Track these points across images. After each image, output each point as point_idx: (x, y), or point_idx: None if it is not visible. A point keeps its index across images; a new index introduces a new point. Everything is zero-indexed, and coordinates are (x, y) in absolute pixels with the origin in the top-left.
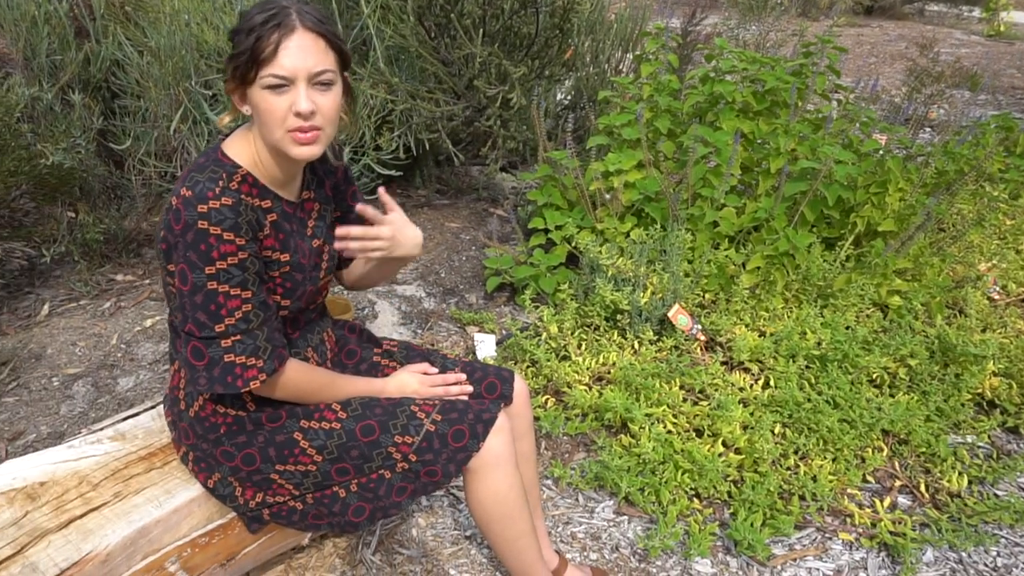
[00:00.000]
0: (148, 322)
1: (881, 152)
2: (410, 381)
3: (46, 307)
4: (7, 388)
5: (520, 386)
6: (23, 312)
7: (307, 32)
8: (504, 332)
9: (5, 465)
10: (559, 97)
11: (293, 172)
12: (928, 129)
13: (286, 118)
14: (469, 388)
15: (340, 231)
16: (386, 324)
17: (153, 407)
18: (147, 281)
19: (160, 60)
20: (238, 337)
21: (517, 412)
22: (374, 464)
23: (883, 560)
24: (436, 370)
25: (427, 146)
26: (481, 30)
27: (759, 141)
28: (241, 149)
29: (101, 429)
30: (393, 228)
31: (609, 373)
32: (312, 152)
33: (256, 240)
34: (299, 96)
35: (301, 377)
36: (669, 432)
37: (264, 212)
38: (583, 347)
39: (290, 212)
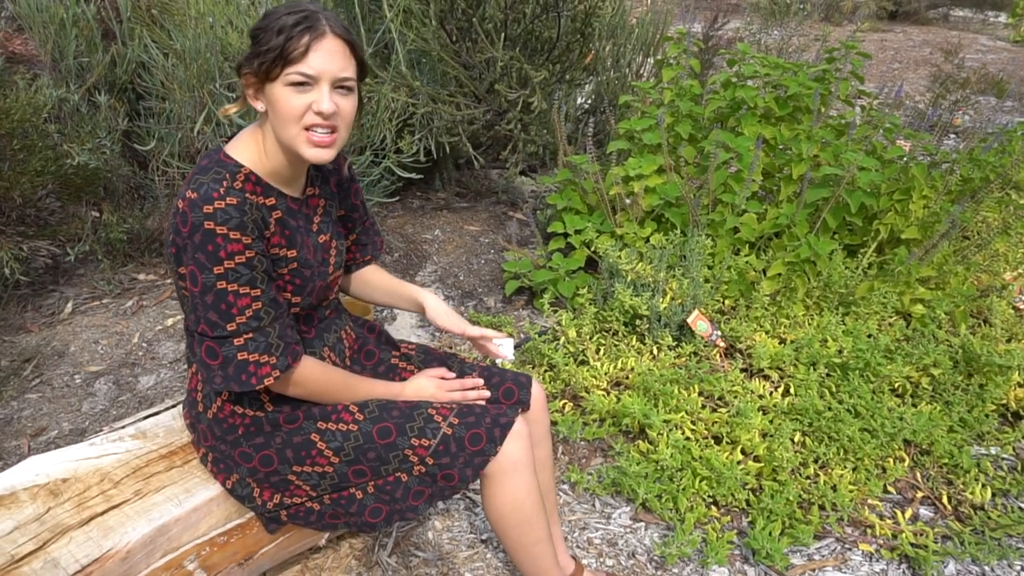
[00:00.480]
0: (169, 321)
1: (905, 159)
2: (427, 385)
3: (70, 305)
4: (31, 385)
5: (538, 392)
6: (47, 310)
7: (336, 38)
8: (522, 336)
9: (28, 461)
10: (579, 101)
11: (298, 170)
12: (953, 136)
13: (304, 115)
14: (487, 393)
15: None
16: (404, 326)
17: (174, 406)
18: (168, 281)
19: (185, 62)
20: (250, 335)
21: (535, 418)
22: (391, 466)
23: (904, 572)
24: (454, 375)
25: (447, 149)
26: (503, 34)
27: (781, 147)
28: (245, 148)
29: (123, 427)
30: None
31: (627, 378)
32: (326, 155)
33: (263, 238)
34: (323, 96)
35: (317, 375)
36: (687, 439)
37: (269, 210)
38: (601, 352)
39: (295, 208)
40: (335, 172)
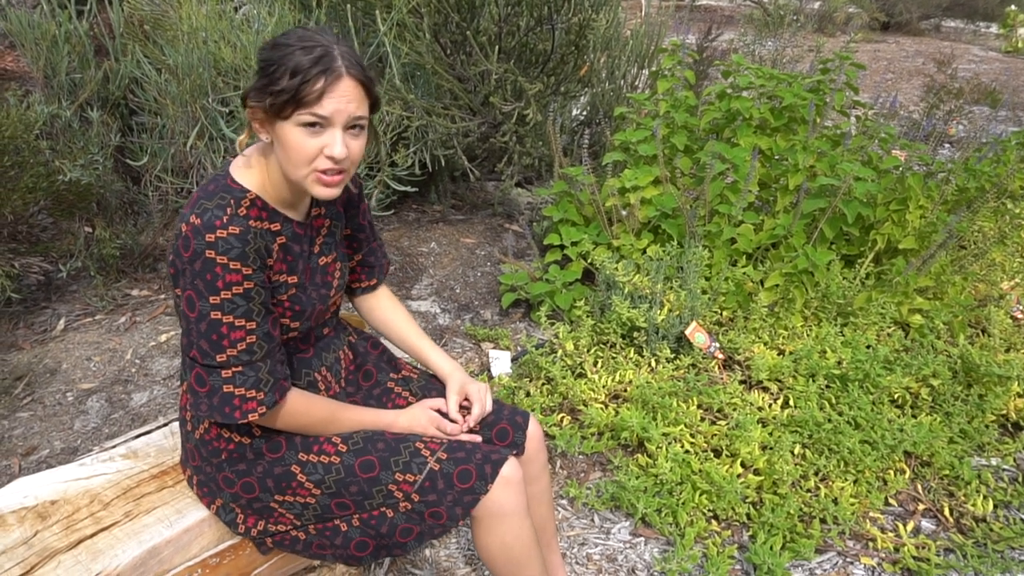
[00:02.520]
0: (163, 337)
1: (901, 169)
2: (421, 417)
3: (62, 322)
4: (22, 403)
5: (534, 430)
6: (39, 327)
7: (352, 80)
8: (519, 349)
9: (17, 483)
10: (575, 113)
11: (303, 195)
12: (948, 146)
13: (315, 158)
14: (478, 438)
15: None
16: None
17: (166, 424)
18: (162, 296)
19: (178, 78)
20: (239, 368)
21: (531, 457)
22: (375, 501)
23: None
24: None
25: (443, 162)
26: (497, 47)
27: (777, 157)
28: (250, 171)
29: (113, 447)
30: (472, 390)
31: (626, 391)
32: (334, 194)
33: (264, 268)
34: (335, 141)
35: (301, 409)
36: (687, 452)
37: (273, 235)
38: (599, 364)
39: (300, 233)
40: (345, 190)
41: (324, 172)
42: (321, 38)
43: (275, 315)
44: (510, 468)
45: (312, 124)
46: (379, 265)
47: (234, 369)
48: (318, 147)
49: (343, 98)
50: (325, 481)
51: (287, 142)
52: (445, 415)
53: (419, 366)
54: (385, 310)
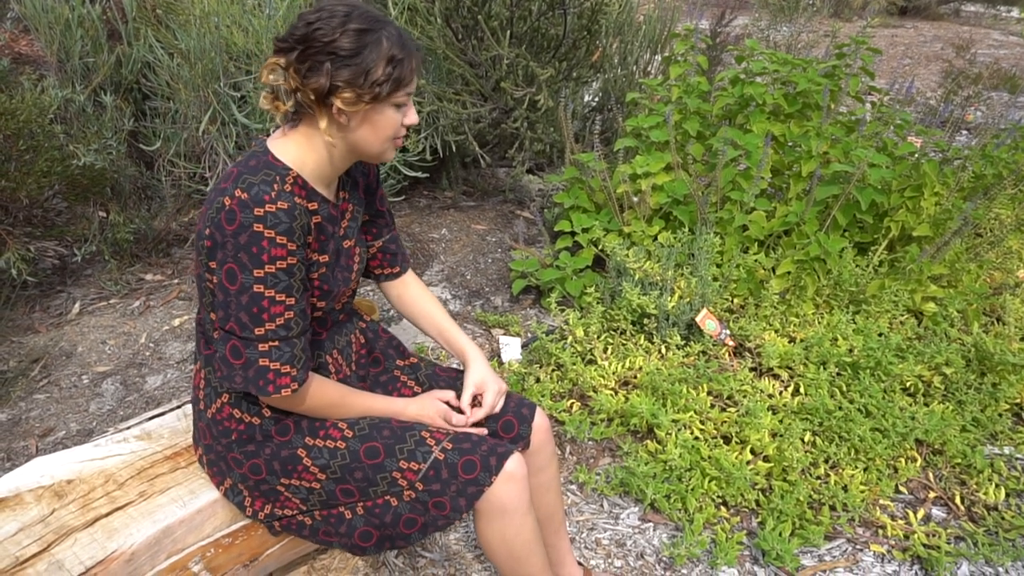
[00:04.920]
0: (176, 321)
1: (916, 155)
2: (430, 408)
3: (77, 306)
4: (38, 385)
5: (540, 422)
6: (55, 310)
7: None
8: (530, 335)
9: (33, 463)
10: (587, 99)
11: (336, 175)
12: (965, 132)
13: (398, 130)
14: (484, 431)
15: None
16: (410, 326)
17: (179, 407)
18: (176, 280)
19: (190, 62)
20: (276, 343)
21: (538, 447)
22: (379, 489)
23: (916, 574)
24: (460, 403)
25: (454, 148)
26: (508, 32)
27: (790, 144)
28: (289, 149)
29: (128, 428)
30: (489, 390)
31: (635, 378)
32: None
33: (305, 245)
34: (412, 111)
35: (315, 391)
36: (696, 438)
37: (311, 214)
38: (609, 351)
39: (335, 215)
40: (365, 175)
41: (397, 139)
42: (382, 17)
43: (308, 292)
44: (514, 463)
45: (402, 104)
46: (400, 253)
47: (271, 343)
48: (399, 120)
49: (415, 73)
50: (330, 466)
51: (380, 121)
52: (456, 408)
53: (425, 355)
54: (415, 297)
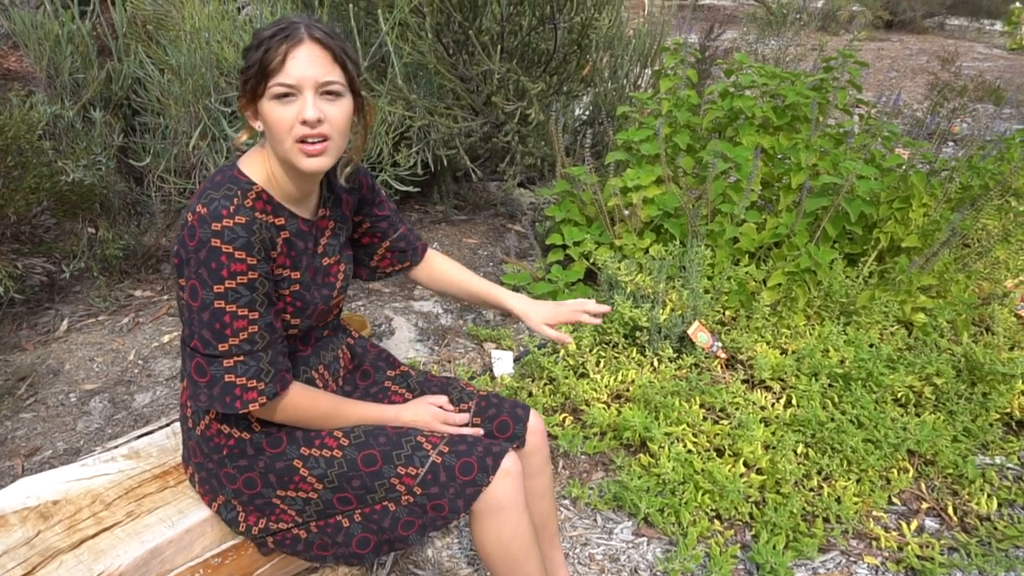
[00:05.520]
0: (166, 338)
1: (904, 167)
2: (424, 412)
3: (65, 323)
4: (25, 404)
5: (535, 424)
6: (42, 328)
7: (314, 43)
8: (522, 349)
9: (19, 483)
10: (577, 112)
11: (308, 189)
12: (952, 143)
13: (293, 127)
14: (480, 431)
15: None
16: (403, 340)
17: (168, 425)
18: (165, 297)
19: (181, 78)
20: (240, 358)
21: (532, 449)
22: (377, 495)
23: None
24: (453, 409)
25: (445, 162)
26: (499, 46)
27: (779, 156)
28: (256, 166)
29: (116, 447)
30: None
31: (628, 391)
32: (320, 164)
33: (268, 259)
34: (306, 104)
35: (303, 402)
36: (689, 451)
37: (278, 229)
38: (601, 364)
39: (305, 230)
40: (356, 191)
41: (304, 141)
42: (291, 17)
43: (277, 308)
44: (510, 460)
45: (284, 95)
46: (411, 247)
47: (235, 359)
48: (293, 116)
49: (307, 61)
50: (327, 475)
51: (267, 118)
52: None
53: (417, 369)
54: (443, 272)
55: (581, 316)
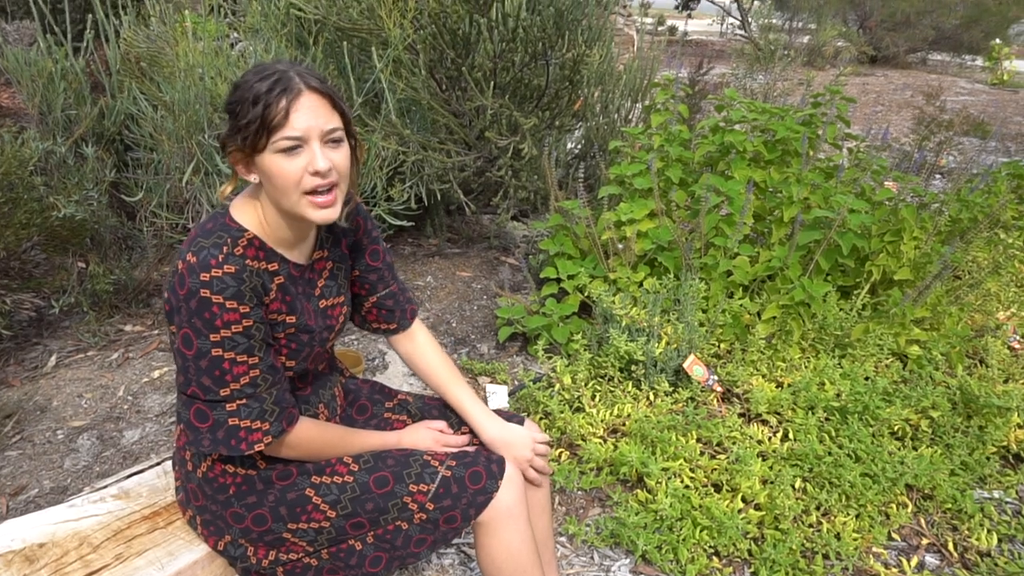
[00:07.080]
0: (156, 373)
1: (894, 200)
2: (426, 437)
3: (53, 358)
4: (11, 441)
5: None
6: (30, 363)
7: (314, 93)
8: (517, 383)
9: (3, 526)
10: (569, 147)
11: (303, 234)
12: (939, 177)
13: (302, 179)
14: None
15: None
16: (396, 375)
17: (159, 463)
18: (156, 331)
19: (174, 114)
20: (243, 401)
21: None
22: (390, 515)
23: None
24: (452, 432)
25: (438, 196)
26: (492, 82)
27: (771, 190)
28: (248, 212)
29: (104, 487)
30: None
31: (624, 425)
32: (331, 215)
33: (261, 305)
34: (316, 155)
35: (313, 436)
36: (686, 487)
37: (271, 275)
38: (597, 398)
39: (297, 275)
40: (353, 232)
41: (314, 193)
42: (276, 65)
43: (274, 349)
44: (511, 468)
45: (290, 148)
46: (399, 309)
47: (239, 402)
48: (301, 168)
49: (310, 112)
50: (341, 501)
51: (271, 173)
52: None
53: (412, 393)
54: (421, 355)
55: (537, 460)
